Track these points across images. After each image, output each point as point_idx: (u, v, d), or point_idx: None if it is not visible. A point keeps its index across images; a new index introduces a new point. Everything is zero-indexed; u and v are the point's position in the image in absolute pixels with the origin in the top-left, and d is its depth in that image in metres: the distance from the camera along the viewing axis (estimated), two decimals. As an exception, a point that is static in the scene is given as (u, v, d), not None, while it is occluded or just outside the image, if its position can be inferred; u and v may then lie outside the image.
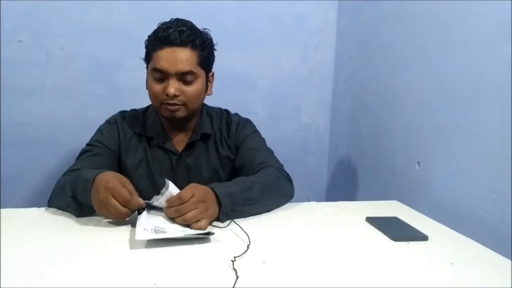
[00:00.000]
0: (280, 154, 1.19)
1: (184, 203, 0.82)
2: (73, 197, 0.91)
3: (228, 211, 0.90)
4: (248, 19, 1.75)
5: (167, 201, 0.85)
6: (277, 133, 1.86)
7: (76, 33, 1.59)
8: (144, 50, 1.06)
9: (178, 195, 0.84)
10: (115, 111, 1.21)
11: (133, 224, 0.85)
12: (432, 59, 1.18)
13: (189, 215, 0.82)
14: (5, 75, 1.56)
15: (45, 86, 1.60)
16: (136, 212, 0.86)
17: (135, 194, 0.86)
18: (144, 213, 0.85)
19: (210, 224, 0.87)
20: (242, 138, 1.16)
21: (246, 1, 1.73)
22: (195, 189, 0.85)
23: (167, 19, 1.05)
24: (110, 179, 0.85)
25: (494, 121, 0.95)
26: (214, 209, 0.87)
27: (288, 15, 1.80)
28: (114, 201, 0.83)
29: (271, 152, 1.18)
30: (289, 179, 1.10)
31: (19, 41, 1.55)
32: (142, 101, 1.20)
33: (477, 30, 1.01)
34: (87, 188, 0.87)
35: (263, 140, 1.21)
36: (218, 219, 0.89)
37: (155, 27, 1.04)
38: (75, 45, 1.60)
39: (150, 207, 0.88)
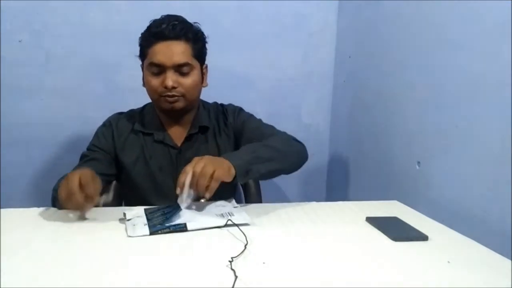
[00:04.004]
0: (280, 154, 1.19)
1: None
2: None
3: (243, 172, 0.93)
4: (248, 19, 1.75)
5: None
6: (277, 133, 1.86)
7: (76, 33, 1.59)
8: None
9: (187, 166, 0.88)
10: (115, 111, 1.22)
11: (128, 224, 0.85)
12: (432, 59, 1.18)
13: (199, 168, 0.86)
14: (5, 75, 1.56)
15: (45, 86, 1.60)
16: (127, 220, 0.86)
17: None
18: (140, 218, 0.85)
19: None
20: (241, 123, 1.19)
21: (246, 1, 1.72)
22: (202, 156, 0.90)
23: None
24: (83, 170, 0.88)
25: (494, 121, 0.95)
26: (228, 164, 0.90)
27: (288, 15, 1.79)
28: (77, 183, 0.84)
29: (273, 126, 1.22)
30: (298, 140, 1.15)
31: (19, 41, 1.55)
32: (142, 101, 1.20)
33: (477, 30, 1.01)
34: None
35: (260, 120, 1.25)
36: (232, 193, 0.92)
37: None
38: (75, 45, 1.60)
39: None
